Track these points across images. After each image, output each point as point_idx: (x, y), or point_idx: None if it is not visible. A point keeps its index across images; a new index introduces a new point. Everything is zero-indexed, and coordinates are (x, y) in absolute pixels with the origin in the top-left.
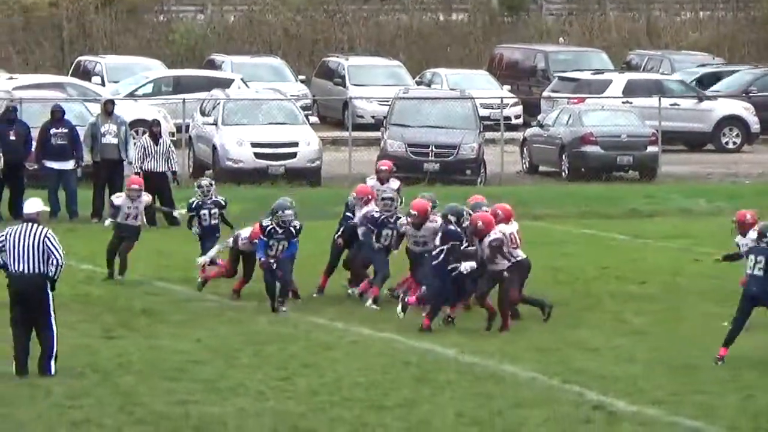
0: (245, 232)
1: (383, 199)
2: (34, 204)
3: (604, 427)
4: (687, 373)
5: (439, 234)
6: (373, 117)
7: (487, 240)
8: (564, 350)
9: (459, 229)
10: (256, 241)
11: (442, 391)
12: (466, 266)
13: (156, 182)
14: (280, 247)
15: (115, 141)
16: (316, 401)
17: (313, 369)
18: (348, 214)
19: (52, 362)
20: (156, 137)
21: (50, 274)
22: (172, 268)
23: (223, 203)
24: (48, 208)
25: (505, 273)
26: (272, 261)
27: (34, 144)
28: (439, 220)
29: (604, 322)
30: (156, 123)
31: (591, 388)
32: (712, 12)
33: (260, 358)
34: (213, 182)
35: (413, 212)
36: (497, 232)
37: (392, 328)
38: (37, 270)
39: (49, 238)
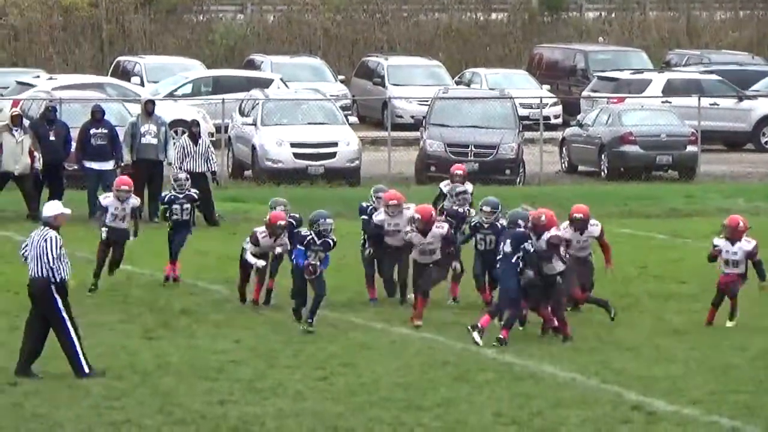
0: (260, 229)
1: (458, 193)
2: (51, 207)
3: (642, 427)
4: (725, 373)
5: (509, 240)
6: (412, 117)
7: (546, 236)
8: (603, 350)
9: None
10: (280, 236)
11: (480, 390)
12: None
13: (195, 182)
14: (317, 259)
15: (154, 141)
16: (355, 401)
17: (351, 369)
18: (364, 218)
19: (82, 362)
20: (195, 137)
21: (50, 278)
22: (210, 268)
23: (196, 198)
24: (69, 211)
25: (559, 279)
26: (317, 266)
27: (73, 144)
28: (445, 226)
29: (643, 322)
30: (195, 123)
31: (630, 388)
32: (751, 11)
33: (299, 358)
34: (189, 177)
35: (417, 216)
36: (558, 229)
37: (431, 328)
38: (40, 273)
39: (47, 240)
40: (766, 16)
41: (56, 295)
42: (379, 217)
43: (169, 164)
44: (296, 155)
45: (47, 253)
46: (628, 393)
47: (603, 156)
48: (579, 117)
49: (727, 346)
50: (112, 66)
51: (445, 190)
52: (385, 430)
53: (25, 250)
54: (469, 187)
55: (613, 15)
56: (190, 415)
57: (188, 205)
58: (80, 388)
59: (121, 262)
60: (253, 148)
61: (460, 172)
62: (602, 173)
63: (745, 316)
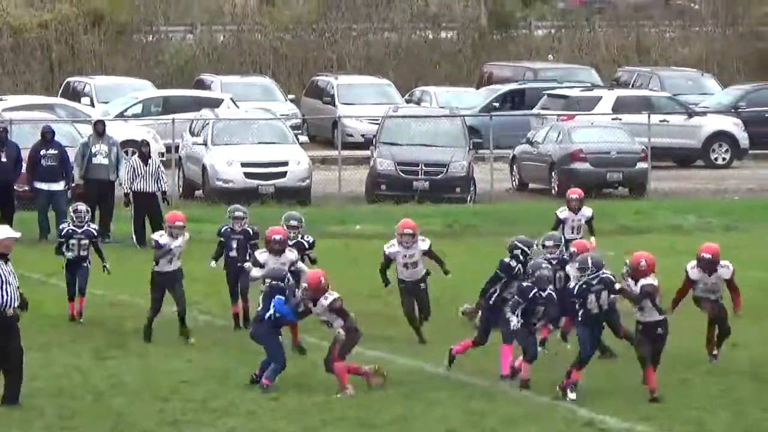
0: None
1: (545, 246)
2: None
3: None
4: (677, 389)
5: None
6: (363, 136)
7: (642, 281)
8: (555, 367)
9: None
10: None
11: (433, 408)
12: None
13: (145, 202)
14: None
15: (105, 162)
16: (308, 420)
17: (303, 389)
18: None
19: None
20: (145, 157)
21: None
22: None
23: (95, 233)
24: (18, 234)
25: (659, 330)
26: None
27: (24, 165)
28: (428, 242)
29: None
30: (145, 143)
31: (582, 404)
32: (700, 28)
33: (248, 377)
34: (89, 210)
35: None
36: (654, 278)
37: (383, 347)
38: None
39: None
40: (714, 33)
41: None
42: (391, 249)
43: (120, 185)
44: (247, 175)
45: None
46: (580, 410)
47: (553, 173)
48: (529, 134)
49: (680, 363)
50: (62, 87)
51: (561, 216)
52: None
53: None
54: (588, 212)
55: (563, 32)
56: None
57: (86, 241)
58: (33, 408)
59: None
60: (204, 167)
61: (575, 196)
62: (553, 190)
63: (697, 332)
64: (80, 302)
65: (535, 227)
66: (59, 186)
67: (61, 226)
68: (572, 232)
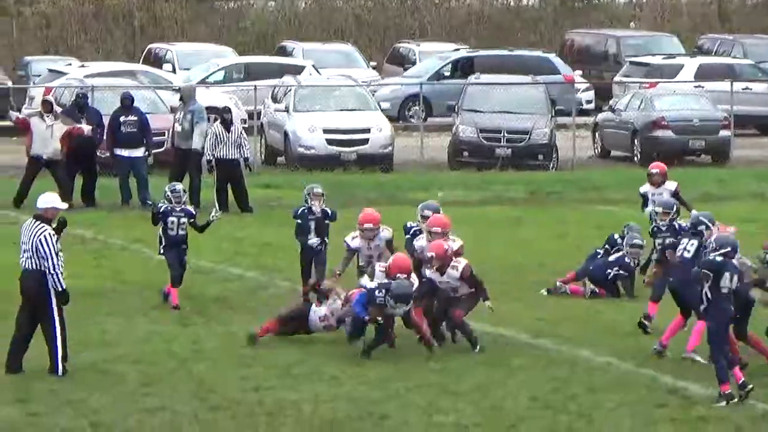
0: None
1: (632, 246)
2: (44, 199)
3: (678, 411)
4: (761, 356)
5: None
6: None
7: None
8: (638, 335)
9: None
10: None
11: (515, 375)
12: None
13: (228, 170)
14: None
15: (185, 128)
16: (390, 387)
17: (387, 355)
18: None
19: (59, 362)
20: (227, 124)
21: (47, 275)
22: (245, 255)
23: (193, 212)
24: (65, 206)
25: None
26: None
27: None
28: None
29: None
30: (227, 110)
31: (665, 372)
32: None
33: (335, 344)
34: (186, 190)
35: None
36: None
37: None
38: (33, 266)
39: (41, 241)
40: None
41: (50, 289)
42: (419, 242)
43: (195, 151)
44: (329, 141)
45: (44, 252)
46: (664, 377)
47: (636, 141)
48: (611, 102)
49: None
50: (144, 53)
51: (642, 191)
52: (420, 415)
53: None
54: (671, 185)
55: (645, 0)
56: (225, 401)
57: (185, 220)
58: (115, 374)
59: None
60: (286, 134)
61: (656, 170)
62: (635, 158)
63: None
64: (173, 294)
65: (617, 194)
66: (139, 152)
67: (158, 205)
68: (654, 206)
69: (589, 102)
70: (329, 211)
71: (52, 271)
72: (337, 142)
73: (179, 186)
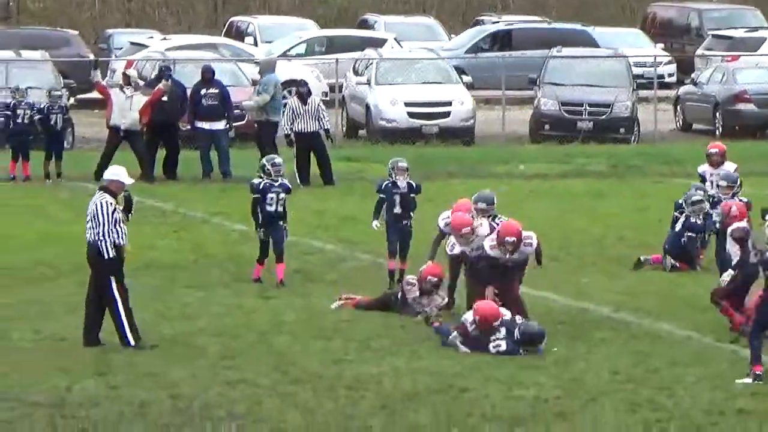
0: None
1: (693, 203)
2: (110, 171)
3: (759, 385)
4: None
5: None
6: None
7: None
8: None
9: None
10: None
11: (597, 349)
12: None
13: (308, 141)
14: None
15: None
16: (471, 360)
17: None
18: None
19: (127, 333)
20: (303, 97)
21: (98, 244)
22: (326, 228)
23: (290, 188)
24: (131, 181)
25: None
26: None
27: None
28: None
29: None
30: (303, 83)
31: (745, 346)
32: None
33: (416, 318)
34: (284, 162)
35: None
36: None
37: (547, 286)
38: (92, 237)
39: (96, 207)
40: None
41: (106, 262)
42: (455, 250)
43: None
44: (410, 114)
45: (98, 219)
46: (744, 351)
47: (717, 114)
48: (693, 75)
49: None
50: (226, 26)
51: (700, 171)
52: (501, 388)
53: None
54: (731, 166)
55: None
56: (305, 374)
57: (284, 195)
58: (195, 347)
59: None
60: (368, 107)
61: (715, 150)
62: (717, 131)
63: None
64: (280, 270)
65: (698, 167)
66: (220, 125)
67: (254, 181)
68: (713, 187)
69: (671, 75)
70: (414, 185)
71: (101, 237)
72: (419, 115)
73: (279, 159)
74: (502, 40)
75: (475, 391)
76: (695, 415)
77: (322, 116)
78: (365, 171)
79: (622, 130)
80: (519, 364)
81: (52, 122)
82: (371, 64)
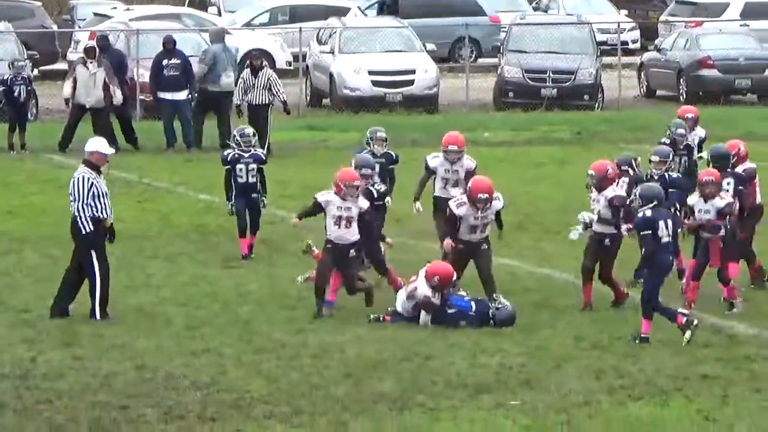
0: None
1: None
2: (90, 144)
3: (723, 351)
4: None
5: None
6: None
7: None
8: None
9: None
10: None
11: (562, 316)
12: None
13: (257, 113)
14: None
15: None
16: (435, 328)
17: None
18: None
19: (96, 308)
20: (255, 70)
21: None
22: (289, 198)
23: (263, 157)
24: (111, 152)
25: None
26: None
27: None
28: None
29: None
30: (255, 56)
31: (710, 312)
32: None
33: (379, 286)
34: (255, 133)
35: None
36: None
37: (512, 254)
38: (72, 210)
39: (73, 182)
40: None
41: (84, 233)
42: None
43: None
44: (374, 83)
45: (74, 194)
46: (710, 317)
47: (681, 80)
48: (657, 42)
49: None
50: None
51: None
52: (466, 356)
53: None
54: (701, 132)
55: None
56: (270, 343)
57: (254, 166)
58: (160, 317)
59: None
60: (331, 76)
61: (691, 115)
62: (681, 97)
63: None
64: (251, 239)
65: (663, 134)
66: (182, 95)
67: (225, 153)
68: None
69: (635, 42)
70: (393, 155)
71: (78, 212)
72: (383, 84)
73: (249, 130)
74: (389, 8)
75: (439, 359)
76: (660, 381)
77: (275, 89)
78: (329, 140)
79: (586, 97)
80: (483, 331)
81: (15, 93)
82: (334, 33)
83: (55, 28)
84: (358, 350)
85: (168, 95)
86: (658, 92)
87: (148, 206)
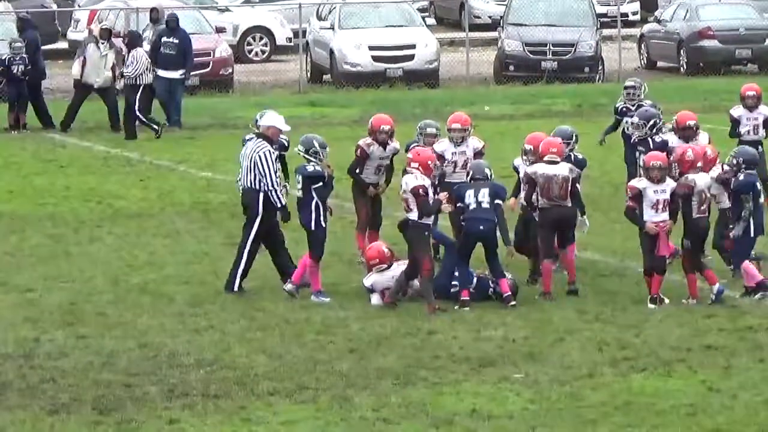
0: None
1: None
2: (267, 118)
3: (726, 322)
4: None
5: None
6: (490, 17)
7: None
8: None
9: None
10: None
11: (564, 288)
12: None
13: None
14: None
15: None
16: (438, 303)
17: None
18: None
19: (237, 279)
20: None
21: (262, 192)
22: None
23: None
24: (287, 128)
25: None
26: None
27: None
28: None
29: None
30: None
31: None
32: None
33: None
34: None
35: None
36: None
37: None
38: (249, 184)
39: (260, 157)
40: None
41: (259, 210)
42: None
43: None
44: (374, 58)
45: (262, 169)
46: (713, 287)
47: (681, 51)
48: (657, 13)
49: None
50: None
51: (735, 115)
52: (469, 330)
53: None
54: (765, 110)
55: None
56: (273, 319)
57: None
58: (163, 296)
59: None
60: (331, 52)
61: (752, 93)
62: (681, 68)
63: None
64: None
65: (664, 105)
66: (176, 74)
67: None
68: (749, 134)
69: (634, 13)
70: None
71: (270, 188)
72: (383, 59)
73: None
74: None
75: (442, 333)
76: (663, 353)
77: (120, 65)
78: (330, 116)
79: (586, 69)
80: (486, 304)
81: (14, 72)
82: (334, 8)
83: (54, 7)
84: (362, 325)
85: (163, 72)
86: (659, 63)
87: (150, 184)
